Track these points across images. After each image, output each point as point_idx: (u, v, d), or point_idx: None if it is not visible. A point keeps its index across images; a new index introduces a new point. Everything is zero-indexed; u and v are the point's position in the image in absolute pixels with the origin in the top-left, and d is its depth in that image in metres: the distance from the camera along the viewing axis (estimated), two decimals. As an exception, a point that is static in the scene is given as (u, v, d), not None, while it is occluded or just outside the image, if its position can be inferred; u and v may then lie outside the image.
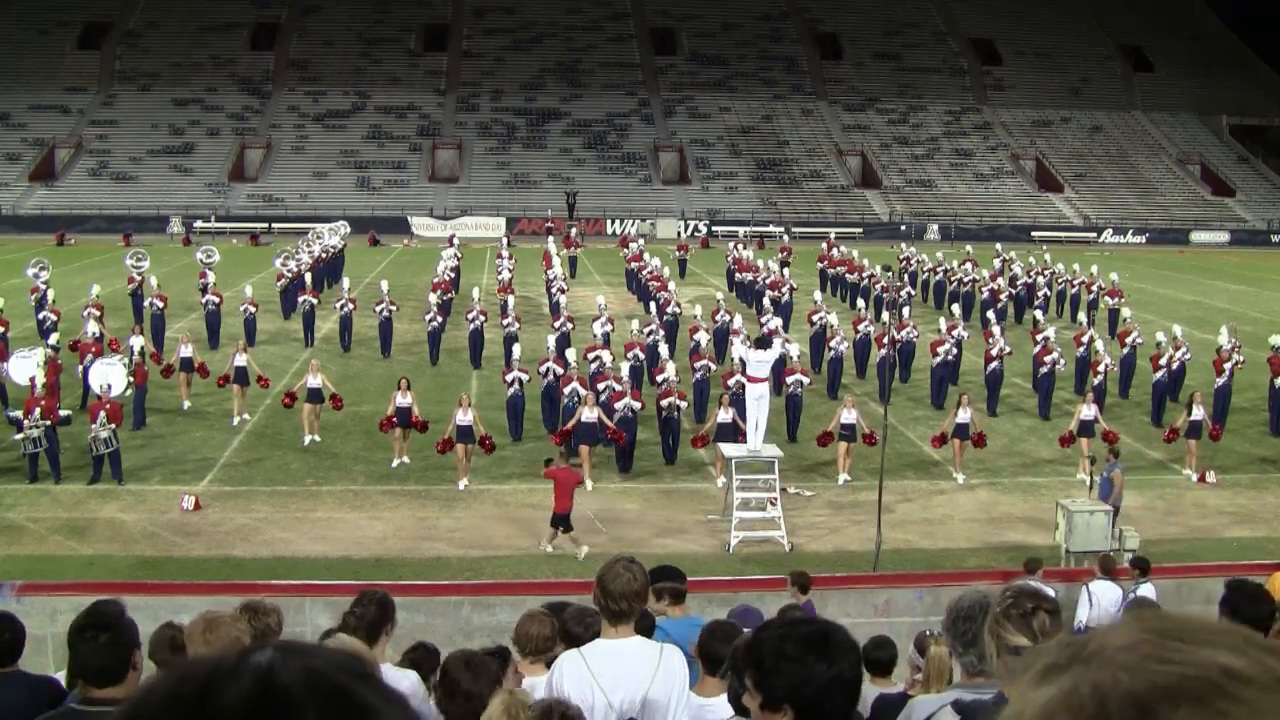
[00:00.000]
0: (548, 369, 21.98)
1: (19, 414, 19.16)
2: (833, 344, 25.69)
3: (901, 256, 40.95)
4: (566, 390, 20.49)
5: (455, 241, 43.36)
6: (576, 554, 16.22)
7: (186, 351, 23.89)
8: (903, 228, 65.21)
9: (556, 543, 16.46)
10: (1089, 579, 12.69)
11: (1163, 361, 24.09)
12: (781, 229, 60.42)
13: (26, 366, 21.19)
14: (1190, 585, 13.22)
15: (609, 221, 65.48)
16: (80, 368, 22.97)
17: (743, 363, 19.60)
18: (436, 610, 12.53)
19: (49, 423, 18.95)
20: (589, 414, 19.25)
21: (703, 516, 18.17)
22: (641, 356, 24.17)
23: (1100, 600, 12.21)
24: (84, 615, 4.07)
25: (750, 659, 2.62)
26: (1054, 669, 0.93)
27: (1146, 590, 12.35)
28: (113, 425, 18.91)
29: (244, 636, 4.67)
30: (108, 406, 19.03)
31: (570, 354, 22.58)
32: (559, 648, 5.57)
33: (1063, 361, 24.48)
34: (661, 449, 20.88)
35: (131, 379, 21.80)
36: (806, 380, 22.49)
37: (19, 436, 18.85)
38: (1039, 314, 29.48)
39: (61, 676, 5.84)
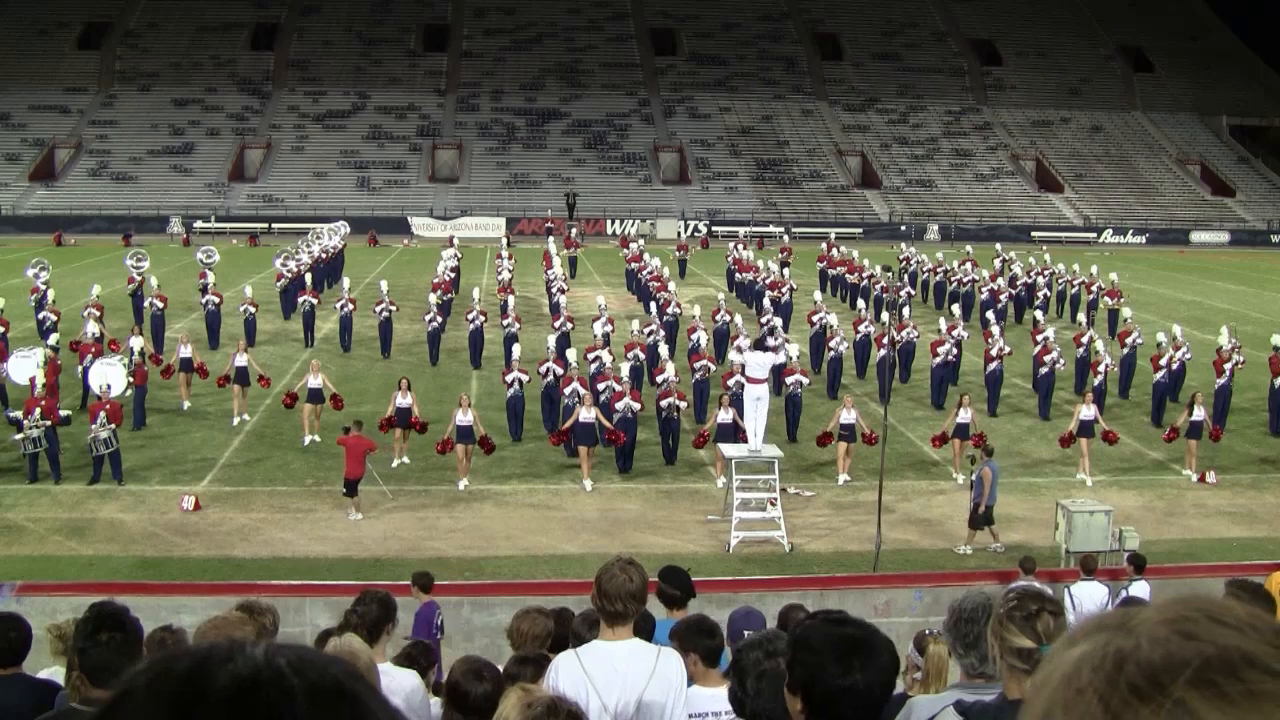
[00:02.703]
0: (548, 369, 21.97)
1: (19, 414, 19.16)
2: (832, 344, 25.70)
3: (901, 257, 40.97)
4: (566, 390, 20.48)
5: (455, 242, 43.33)
6: (347, 514, 17.75)
7: (186, 352, 23.88)
8: (903, 228, 65.21)
9: (355, 502, 17.96)
10: (1072, 581, 12.59)
11: (1163, 362, 24.09)
12: (781, 229, 60.44)
13: (26, 366, 21.18)
14: (1190, 585, 13.20)
15: (609, 222, 65.50)
16: (80, 368, 22.96)
17: (742, 366, 19.59)
18: (436, 610, 12.51)
19: (49, 423, 18.95)
20: (587, 414, 19.25)
21: (703, 517, 18.17)
22: (641, 357, 24.17)
23: (1083, 603, 12.08)
24: (92, 618, 4.04)
25: (790, 639, 2.83)
26: (1094, 630, 0.98)
27: (1139, 589, 12.22)
28: (113, 425, 18.91)
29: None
30: (107, 407, 19.03)
31: (570, 354, 22.58)
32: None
33: (1062, 362, 24.47)
34: (661, 449, 20.88)
35: (131, 379, 21.80)
36: (806, 380, 22.49)
37: (19, 437, 18.85)
38: (1039, 314, 29.47)
39: (60, 677, 5.83)
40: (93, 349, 23.41)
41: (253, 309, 29.59)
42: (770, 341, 20.02)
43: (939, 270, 38.47)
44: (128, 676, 0.97)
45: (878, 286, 33.80)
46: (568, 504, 18.73)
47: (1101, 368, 23.87)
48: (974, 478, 16.86)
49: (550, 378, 21.89)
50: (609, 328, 25.70)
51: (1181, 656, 0.91)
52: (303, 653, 0.99)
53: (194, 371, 23.75)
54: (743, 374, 19.22)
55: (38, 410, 18.81)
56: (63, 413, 19.91)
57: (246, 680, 0.94)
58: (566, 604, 8.56)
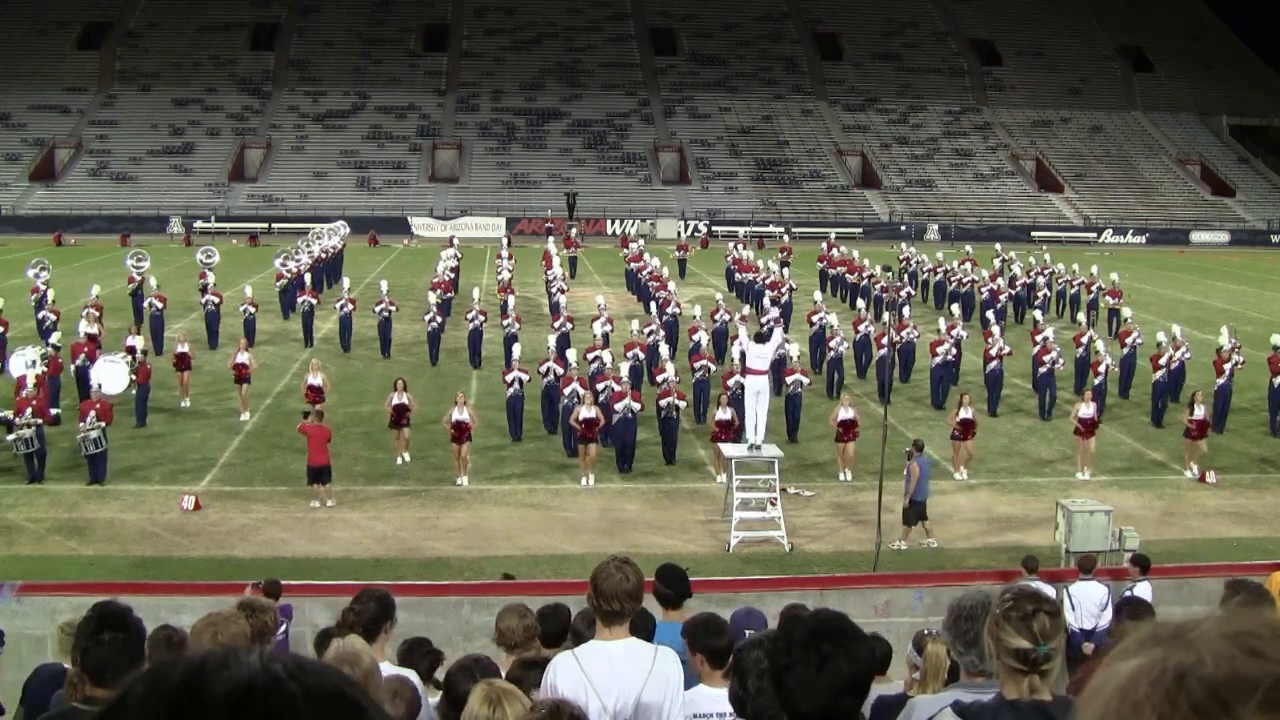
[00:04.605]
0: (548, 369, 21.99)
1: (9, 414, 19.13)
2: (832, 344, 25.70)
3: (901, 256, 40.97)
4: (566, 390, 20.50)
5: (455, 242, 43.30)
6: (322, 503, 18.06)
7: (181, 349, 23.92)
8: (903, 228, 65.19)
9: (324, 490, 18.24)
10: (1072, 580, 12.58)
11: (1162, 362, 24.10)
12: (781, 229, 60.38)
13: (24, 366, 21.16)
14: (1190, 585, 13.21)
15: (609, 221, 65.49)
16: (73, 366, 22.99)
17: (743, 355, 19.59)
18: (436, 610, 12.52)
19: (40, 422, 18.93)
20: (587, 413, 19.25)
21: (703, 516, 18.17)
22: (641, 357, 24.18)
23: (1081, 603, 12.05)
24: (95, 618, 4.04)
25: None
26: (1150, 642, 0.94)
27: (1143, 590, 12.18)
28: (102, 424, 18.88)
29: (247, 635, 4.68)
30: (97, 406, 19.00)
31: (570, 354, 22.59)
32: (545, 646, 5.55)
33: (1061, 361, 24.46)
34: (661, 449, 20.88)
35: (134, 377, 21.81)
36: (806, 380, 22.50)
37: (12, 437, 18.82)
38: (1039, 314, 29.46)
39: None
40: (84, 348, 23.43)
41: (252, 309, 29.59)
42: (773, 335, 19.95)
43: (939, 270, 38.47)
44: (123, 685, 0.97)
45: (878, 286, 33.80)
46: (568, 504, 18.74)
47: (1101, 368, 23.87)
48: (905, 473, 16.97)
49: (550, 377, 21.90)
50: (609, 328, 25.71)
51: (1249, 676, 0.86)
52: (299, 659, 0.99)
53: (187, 369, 23.82)
54: (743, 368, 19.20)
55: (28, 410, 18.79)
56: (53, 411, 19.90)
57: (242, 687, 0.93)
58: (566, 604, 8.55)
